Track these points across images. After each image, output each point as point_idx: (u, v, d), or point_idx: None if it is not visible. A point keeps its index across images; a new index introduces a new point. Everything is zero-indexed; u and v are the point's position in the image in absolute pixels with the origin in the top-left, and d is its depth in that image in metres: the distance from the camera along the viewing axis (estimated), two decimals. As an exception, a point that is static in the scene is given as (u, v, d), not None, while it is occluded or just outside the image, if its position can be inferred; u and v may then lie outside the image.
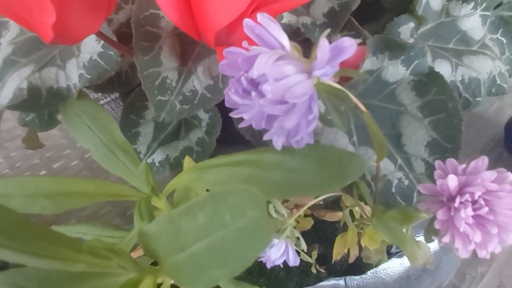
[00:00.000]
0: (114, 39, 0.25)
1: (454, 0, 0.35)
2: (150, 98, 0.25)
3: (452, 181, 0.20)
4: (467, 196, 0.20)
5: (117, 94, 0.53)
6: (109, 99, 0.56)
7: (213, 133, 0.29)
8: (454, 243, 0.20)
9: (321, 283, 0.32)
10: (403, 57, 0.27)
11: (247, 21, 0.15)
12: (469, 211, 0.20)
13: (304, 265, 0.37)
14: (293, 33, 0.30)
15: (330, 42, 0.32)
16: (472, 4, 0.34)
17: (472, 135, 0.58)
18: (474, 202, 0.20)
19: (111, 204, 0.45)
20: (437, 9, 0.34)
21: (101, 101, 0.53)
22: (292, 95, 0.13)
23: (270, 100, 0.14)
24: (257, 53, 0.15)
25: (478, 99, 0.33)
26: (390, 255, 0.32)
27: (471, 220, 0.20)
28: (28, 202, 0.19)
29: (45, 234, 0.13)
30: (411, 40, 0.31)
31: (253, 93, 0.14)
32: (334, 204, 0.36)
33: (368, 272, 0.31)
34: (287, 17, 0.30)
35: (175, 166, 0.29)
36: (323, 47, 0.13)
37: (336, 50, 0.14)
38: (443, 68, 0.32)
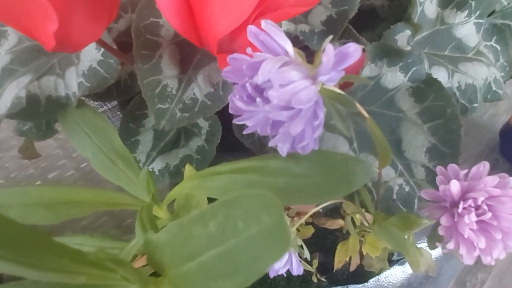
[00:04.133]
0: (115, 47, 0.25)
1: (449, 8, 0.35)
2: (150, 106, 0.25)
3: (455, 187, 0.20)
4: (470, 202, 0.20)
5: (114, 103, 0.53)
6: (106, 108, 0.56)
7: (213, 141, 0.29)
8: (458, 249, 0.20)
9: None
10: (401, 64, 0.27)
11: (251, 28, 0.15)
12: (473, 217, 0.20)
13: (305, 274, 0.37)
14: (291, 41, 0.30)
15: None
16: (466, 12, 0.35)
17: (468, 142, 0.58)
18: (477, 208, 0.20)
19: (107, 215, 0.44)
20: (432, 17, 0.35)
21: (98, 110, 0.53)
22: (298, 100, 0.13)
23: (276, 106, 0.14)
24: (261, 59, 0.15)
25: (474, 105, 0.33)
26: (391, 262, 0.32)
27: (475, 226, 0.20)
28: (28, 212, 0.19)
29: (45, 244, 0.13)
30: (408, 47, 0.31)
31: (258, 99, 0.14)
32: (333, 212, 0.36)
33: (370, 280, 0.31)
34: (285, 25, 0.31)
35: (175, 175, 0.29)
36: (328, 52, 0.13)
37: (341, 56, 0.14)
38: (440, 74, 0.32)
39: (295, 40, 0.31)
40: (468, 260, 0.20)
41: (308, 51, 0.32)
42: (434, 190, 0.21)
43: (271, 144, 0.14)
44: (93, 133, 0.25)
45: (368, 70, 0.27)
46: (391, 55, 0.27)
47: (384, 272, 0.31)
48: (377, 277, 0.31)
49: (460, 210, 0.20)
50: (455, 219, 0.20)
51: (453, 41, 0.35)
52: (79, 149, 0.25)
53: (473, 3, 0.35)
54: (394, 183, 0.27)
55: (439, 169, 0.22)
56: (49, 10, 0.15)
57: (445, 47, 0.35)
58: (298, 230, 0.34)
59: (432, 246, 0.22)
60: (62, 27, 0.16)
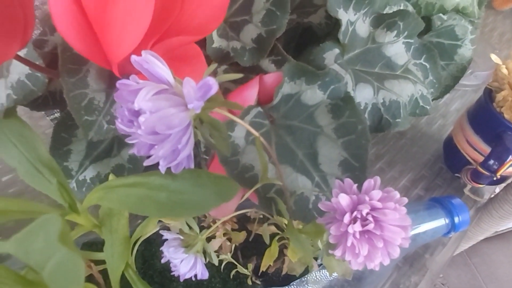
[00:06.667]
0: (41, 61, 0.26)
1: (380, 28, 0.38)
2: (76, 118, 0.26)
3: (343, 200, 0.22)
4: (356, 213, 0.22)
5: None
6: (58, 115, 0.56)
7: (145, 150, 0.30)
8: (345, 256, 0.22)
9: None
10: (319, 82, 0.29)
11: (134, 57, 0.17)
12: (357, 227, 0.22)
13: (241, 277, 0.39)
14: (223, 57, 0.32)
15: (259, 66, 0.33)
16: (395, 32, 0.37)
17: (415, 151, 0.61)
18: (364, 219, 0.22)
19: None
20: (364, 36, 0.37)
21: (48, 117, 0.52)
22: (164, 126, 0.15)
23: (145, 130, 0.15)
24: (142, 86, 0.16)
25: (397, 120, 0.35)
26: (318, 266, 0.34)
27: (358, 235, 0.22)
28: None
29: None
30: (335, 66, 0.33)
31: (136, 123, 0.16)
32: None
33: (293, 283, 0.33)
34: (218, 42, 0.32)
35: (106, 183, 0.30)
36: (186, 84, 0.15)
37: (204, 87, 0.15)
38: (366, 91, 0.35)
39: (226, 56, 0.32)
40: (355, 266, 0.22)
41: (240, 67, 0.33)
42: (330, 202, 0.23)
43: (145, 163, 0.16)
44: (19, 143, 0.26)
45: (288, 88, 0.29)
46: (307, 74, 0.29)
47: (307, 276, 0.33)
48: (300, 280, 0.33)
49: (346, 220, 0.22)
50: (343, 229, 0.22)
51: (383, 59, 0.38)
52: (6, 159, 0.26)
53: (401, 24, 0.37)
54: (311, 193, 0.29)
55: (336, 182, 0.24)
56: None
57: (375, 65, 0.38)
58: (229, 236, 0.36)
59: (327, 253, 0.24)
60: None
